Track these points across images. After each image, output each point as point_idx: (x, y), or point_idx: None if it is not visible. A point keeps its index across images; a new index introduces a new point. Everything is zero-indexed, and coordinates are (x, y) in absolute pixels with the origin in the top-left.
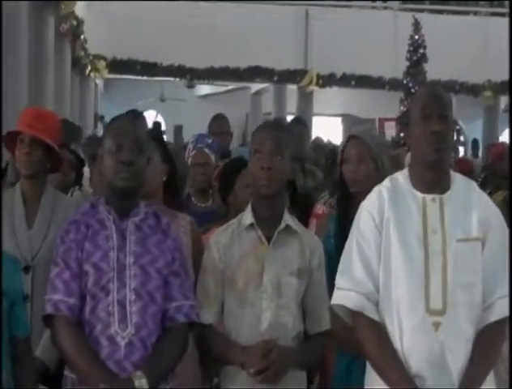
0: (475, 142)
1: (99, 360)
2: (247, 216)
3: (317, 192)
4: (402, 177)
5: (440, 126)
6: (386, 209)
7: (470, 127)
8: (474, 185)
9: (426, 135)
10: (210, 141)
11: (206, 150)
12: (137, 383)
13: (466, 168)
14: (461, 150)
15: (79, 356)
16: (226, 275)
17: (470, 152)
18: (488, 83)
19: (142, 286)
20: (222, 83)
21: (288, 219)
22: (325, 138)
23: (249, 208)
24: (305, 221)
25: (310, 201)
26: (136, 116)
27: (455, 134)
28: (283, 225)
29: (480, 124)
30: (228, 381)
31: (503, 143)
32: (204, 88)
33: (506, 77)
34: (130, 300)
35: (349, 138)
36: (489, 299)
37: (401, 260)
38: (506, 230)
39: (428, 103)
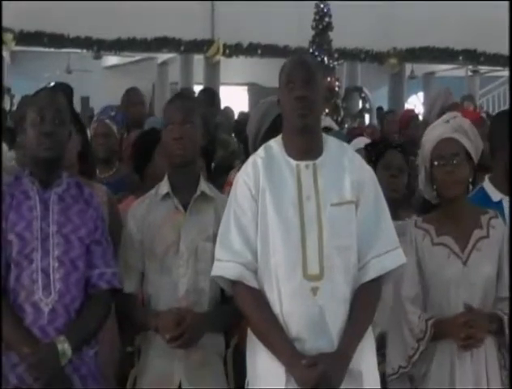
0: (379, 109)
1: (22, 326)
2: (163, 186)
3: (229, 161)
4: (276, 144)
5: (304, 92)
6: (262, 179)
7: (375, 95)
8: (346, 147)
9: (291, 101)
10: (113, 113)
11: (108, 121)
12: (60, 347)
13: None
14: (366, 117)
15: (3, 321)
16: (145, 245)
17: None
18: (393, 51)
19: (65, 254)
20: (129, 54)
21: (204, 186)
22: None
23: (165, 178)
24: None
25: (226, 169)
26: (63, 89)
27: (361, 101)
28: (198, 192)
29: (385, 91)
30: (147, 346)
31: (409, 110)
32: (111, 59)
33: (411, 44)
34: (53, 267)
35: None
36: (364, 259)
37: (277, 228)
38: (379, 190)
39: (292, 69)
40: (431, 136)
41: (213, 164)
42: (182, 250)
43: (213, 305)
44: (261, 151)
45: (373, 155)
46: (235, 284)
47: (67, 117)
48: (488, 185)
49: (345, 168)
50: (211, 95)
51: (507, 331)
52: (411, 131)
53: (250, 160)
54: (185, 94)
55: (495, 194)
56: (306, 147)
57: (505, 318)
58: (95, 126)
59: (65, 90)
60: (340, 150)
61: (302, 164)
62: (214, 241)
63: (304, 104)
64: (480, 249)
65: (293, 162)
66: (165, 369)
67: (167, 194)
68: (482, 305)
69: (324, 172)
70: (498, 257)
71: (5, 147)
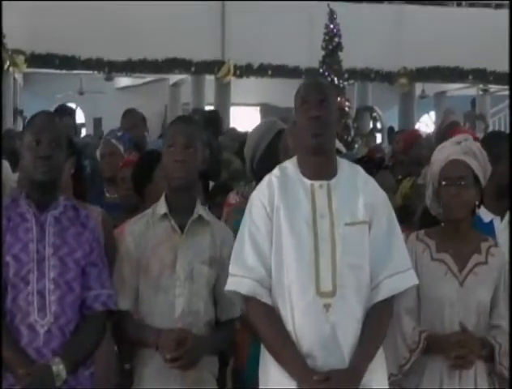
0: (391, 129)
1: (19, 347)
2: (161, 206)
3: (231, 181)
4: (290, 164)
5: (318, 112)
6: (276, 197)
7: (386, 114)
8: (359, 169)
9: (306, 121)
10: (119, 133)
11: (114, 141)
12: (55, 369)
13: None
14: (378, 137)
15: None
16: (141, 263)
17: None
18: (404, 71)
19: (61, 276)
20: (140, 75)
21: (201, 209)
22: (244, 128)
23: (162, 199)
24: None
25: (227, 190)
26: (64, 111)
27: (372, 121)
28: (195, 215)
29: (396, 111)
30: (142, 365)
31: (414, 130)
32: (123, 81)
33: (421, 64)
34: (49, 289)
35: None
36: (376, 279)
37: (291, 245)
38: (392, 213)
39: (307, 91)
40: (440, 155)
41: (211, 184)
42: (179, 271)
43: (208, 328)
44: (276, 170)
45: None
46: (248, 299)
47: (64, 140)
48: None
49: (359, 189)
50: (214, 117)
51: (497, 358)
52: (415, 151)
53: (266, 179)
54: (189, 117)
55: (486, 215)
56: (320, 167)
57: (497, 347)
58: (102, 146)
59: (69, 112)
60: (354, 172)
61: (316, 183)
62: (210, 264)
63: (318, 124)
64: (477, 273)
65: (308, 182)
66: None
67: (164, 215)
68: (474, 329)
69: (338, 192)
70: (495, 285)
71: (9, 168)
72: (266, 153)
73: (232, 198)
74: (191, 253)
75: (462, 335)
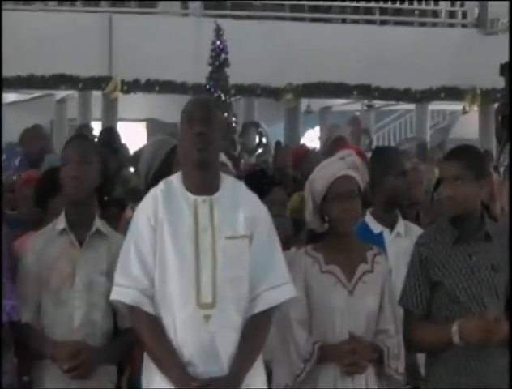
0: (278, 144)
1: None
2: (60, 221)
3: (128, 196)
4: (175, 179)
5: (202, 128)
6: (160, 210)
7: (272, 130)
8: (242, 185)
9: (190, 137)
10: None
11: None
12: None
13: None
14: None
15: None
16: (42, 278)
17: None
18: (290, 86)
19: None
20: (28, 91)
21: (98, 223)
22: (130, 144)
23: (62, 214)
24: (116, 225)
25: (121, 206)
26: None
27: (258, 136)
28: (94, 229)
29: (281, 126)
30: (41, 376)
31: (301, 146)
32: (10, 96)
33: (306, 80)
34: None
35: None
36: (255, 291)
37: (174, 257)
38: (273, 227)
39: (193, 108)
40: (325, 172)
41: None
42: (78, 284)
43: (106, 337)
44: (161, 184)
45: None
46: (132, 308)
47: None
48: (369, 219)
49: (240, 204)
50: (110, 133)
51: (386, 361)
52: (304, 166)
53: (151, 192)
54: (83, 135)
55: (376, 227)
56: (204, 182)
57: (386, 350)
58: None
59: None
60: (236, 187)
61: (200, 198)
62: (107, 275)
63: (202, 140)
64: (365, 281)
65: (191, 197)
66: None
67: (63, 230)
68: (364, 334)
69: (220, 206)
70: (381, 291)
71: None
72: (161, 169)
73: (128, 212)
74: (90, 265)
75: (352, 342)
